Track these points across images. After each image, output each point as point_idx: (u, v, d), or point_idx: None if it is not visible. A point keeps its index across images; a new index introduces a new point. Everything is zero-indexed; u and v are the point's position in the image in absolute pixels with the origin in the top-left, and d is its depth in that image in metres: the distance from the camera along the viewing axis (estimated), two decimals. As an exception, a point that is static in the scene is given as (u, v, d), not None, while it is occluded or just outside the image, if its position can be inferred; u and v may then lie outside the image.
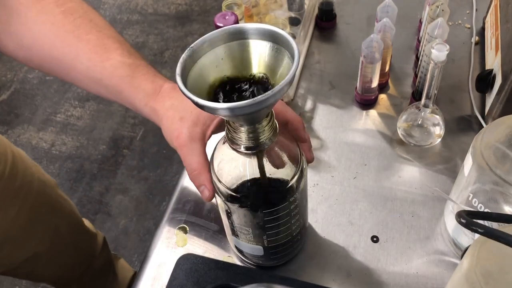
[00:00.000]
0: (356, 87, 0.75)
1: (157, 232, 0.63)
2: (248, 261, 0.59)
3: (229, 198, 0.48)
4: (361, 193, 0.65)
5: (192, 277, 0.56)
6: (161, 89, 0.52)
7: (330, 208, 0.63)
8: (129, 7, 2.31)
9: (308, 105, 0.76)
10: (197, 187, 0.50)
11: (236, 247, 0.57)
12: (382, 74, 0.74)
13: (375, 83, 0.72)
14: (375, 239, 0.60)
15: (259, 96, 0.35)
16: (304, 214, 0.55)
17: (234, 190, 0.47)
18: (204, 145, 0.50)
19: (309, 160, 0.54)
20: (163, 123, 0.52)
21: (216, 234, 0.62)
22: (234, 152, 0.44)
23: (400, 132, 0.69)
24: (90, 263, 1.00)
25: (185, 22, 2.24)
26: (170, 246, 0.61)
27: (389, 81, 0.78)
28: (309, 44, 0.85)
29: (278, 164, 0.47)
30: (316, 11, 0.87)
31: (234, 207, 0.48)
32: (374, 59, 0.68)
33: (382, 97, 0.76)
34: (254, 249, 0.54)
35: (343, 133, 0.72)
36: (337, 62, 0.82)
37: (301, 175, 0.48)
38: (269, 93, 0.35)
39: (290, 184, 0.47)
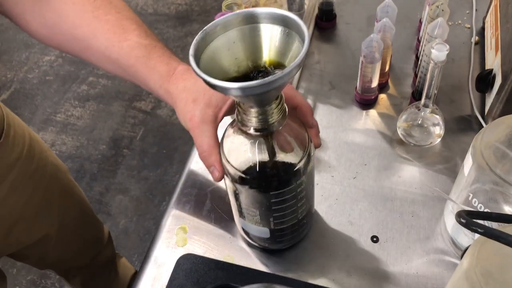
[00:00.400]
0: (356, 87, 0.75)
1: (157, 232, 0.63)
2: (255, 243, 0.59)
3: (237, 180, 0.49)
4: (361, 193, 0.65)
5: (192, 277, 0.57)
6: (175, 71, 0.53)
7: (330, 208, 0.63)
8: (129, 7, 2.31)
9: (308, 105, 0.76)
10: (207, 168, 0.51)
11: (243, 229, 0.58)
12: (382, 74, 0.74)
13: (375, 83, 0.72)
14: (375, 239, 0.60)
15: (269, 77, 0.36)
16: (310, 199, 0.56)
17: (242, 172, 0.48)
18: (215, 127, 0.52)
19: (317, 146, 0.55)
20: (177, 105, 0.53)
21: (216, 234, 0.62)
22: (243, 135, 0.46)
23: (400, 132, 0.69)
24: (96, 254, 1.02)
25: (185, 22, 2.24)
26: (170, 246, 0.61)
27: (389, 81, 0.78)
28: (309, 44, 0.85)
29: (286, 147, 0.48)
30: (316, 11, 0.87)
31: (242, 188, 0.49)
32: (374, 59, 0.68)
33: (382, 97, 0.76)
34: (261, 231, 0.55)
35: (343, 133, 0.72)
36: (337, 62, 0.82)
37: (308, 160, 0.49)
38: (279, 74, 0.36)
39: (297, 167, 0.48)
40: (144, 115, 1.89)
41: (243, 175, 0.48)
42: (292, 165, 0.48)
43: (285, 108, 0.45)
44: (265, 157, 0.47)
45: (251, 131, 0.44)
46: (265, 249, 0.60)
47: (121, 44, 0.53)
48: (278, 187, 0.48)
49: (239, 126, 0.45)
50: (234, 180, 0.49)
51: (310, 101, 0.77)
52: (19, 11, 0.56)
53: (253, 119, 0.43)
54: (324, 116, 0.74)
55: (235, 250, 0.60)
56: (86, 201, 0.94)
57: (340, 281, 0.57)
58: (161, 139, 1.79)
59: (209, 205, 0.65)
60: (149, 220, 1.59)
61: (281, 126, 0.45)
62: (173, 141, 1.78)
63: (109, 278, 1.13)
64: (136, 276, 0.60)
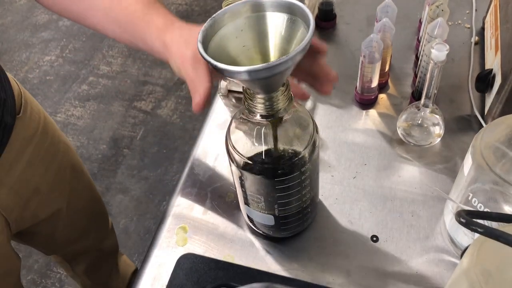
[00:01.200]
0: (356, 87, 0.75)
1: (157, 232, 0.63)
2: (259, 231, 0.60)
3: (243, 166, 0.50)
4: (361, 193, 0.65)
5: (192, 277, 0.57)
6: (173, 25, 0.53)
7: (330, 208, 0.64)
8: None
9: (308, 105, 0.76)
10: (192, 94, 0.49)
11: (248, 216, 0.59)
12: (382, 74, 0.74)
13: (375, 83, 0.72)
14: (375, 238, 0.60)
15: (274, 60, 0.38)
16: (314, 187, 0.57)
17: (248, 158, 0.49)
18: (208, 66, 0.49)
19: (328, 92, 0.51)
20: (171, 52, 0.52)
21: (216, 234, 0.62)
22: (250, 122, 0.47)
23: (400, 131, 0.69)
24: (100, 239, 1.04)
25: (185, 22, 2.24)
26: (170, 246, 0.61)
27: (389, 81, 0.78)
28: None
29: (291, 135, 0.49)
30: (316, 11, 0.87)
31: (247, 175, 0.50)
32: (374, 59, 0.68)
33: (382, 97, 0.76)
34: (265, 218, 0.55)
35: (343, 133, 0.72)
36: (337, 62, 0.82)
37: (313, 148, 0.50)
38: (283, 58, 0.38)
39: (302, 155, 0.49)
40: (144, 115, 1.89)
41: (248, 161, 0.49)
42: (297, 153, 0.49)
43: (291, 95, 0.46)
44: (270, 144, 0.48)
45: (258, 117, 0.45)
46: (269, 237, 0.60)
47: (120, 1, 0.55)
48: (282, 174, 0.49)
49: (246, 113, 0.46)
50: (239, 167, 0.50)
51: (310, 101, 0.77)
52: None
53: (259, 106, 0.44)
54: (324, 116, 0.74)
55: (235, 250, 0.60)
56: (92, 182, 0.98)
57: (340, 281, 0.57)
58: (161, 139, 1.79)
59: (209, 205, 0.65)
60: (149, 220, 1.59)
61: (287, 113, 0.46)
62: (173, 141, 1.78)
63: (111, 272, 1.14)
64: (136, 273, 0.60)
